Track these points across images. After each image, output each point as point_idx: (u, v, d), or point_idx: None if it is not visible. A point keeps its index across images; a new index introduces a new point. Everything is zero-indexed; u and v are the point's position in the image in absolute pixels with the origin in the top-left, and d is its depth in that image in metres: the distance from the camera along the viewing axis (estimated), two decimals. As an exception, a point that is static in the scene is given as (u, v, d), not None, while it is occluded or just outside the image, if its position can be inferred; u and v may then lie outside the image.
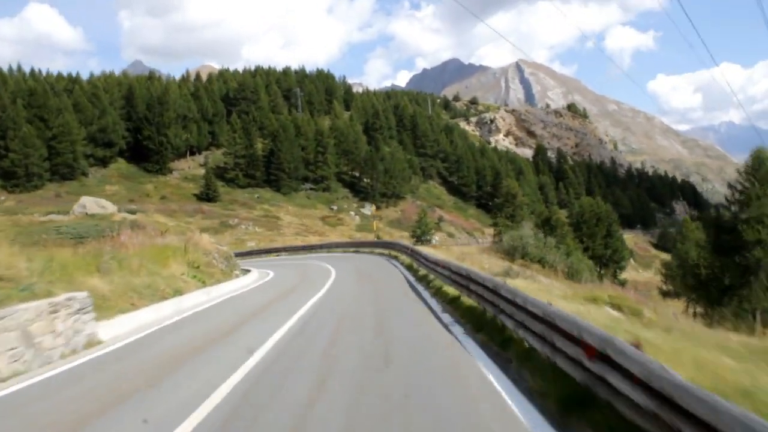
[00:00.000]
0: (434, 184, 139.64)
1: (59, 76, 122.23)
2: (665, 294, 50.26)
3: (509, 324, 9.13)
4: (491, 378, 7.39)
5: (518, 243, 36.48)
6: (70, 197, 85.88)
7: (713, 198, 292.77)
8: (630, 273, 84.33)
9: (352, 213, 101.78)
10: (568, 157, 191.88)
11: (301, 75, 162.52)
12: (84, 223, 21.89)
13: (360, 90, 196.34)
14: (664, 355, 6.14)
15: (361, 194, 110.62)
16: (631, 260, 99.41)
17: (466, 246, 62.45)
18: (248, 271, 27.12)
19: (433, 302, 14.41)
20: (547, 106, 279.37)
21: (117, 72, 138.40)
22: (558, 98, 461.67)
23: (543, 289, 13.31)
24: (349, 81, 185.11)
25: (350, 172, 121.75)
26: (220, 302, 16.26)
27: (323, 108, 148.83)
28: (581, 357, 5.90)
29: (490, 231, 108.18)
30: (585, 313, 9.12)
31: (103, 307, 11.69)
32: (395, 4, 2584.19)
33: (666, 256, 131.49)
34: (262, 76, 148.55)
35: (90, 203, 24.58)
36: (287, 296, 18.18)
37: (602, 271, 58.51)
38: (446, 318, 12.35)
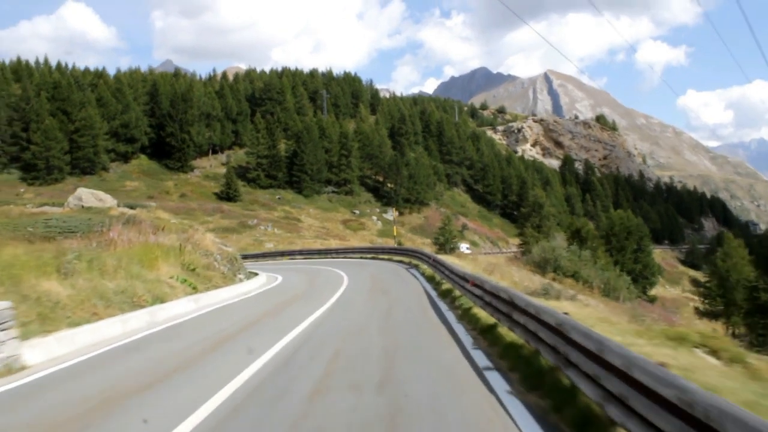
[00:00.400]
0: (459, 191, 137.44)
1: (86, 71, 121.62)
2: (702, 314, 47.77)
3: (587, 389, 5.80)
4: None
5: (550, 255, 33.80)
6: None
7: (742, 215, 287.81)
8: (657, 289, 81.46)
9: (374, 218, 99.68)
10: (596, 169, 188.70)
11: (328, 77, 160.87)
12: (77, 216, 20.08)
13: (387, 95, 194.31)
14: None
15: (384, 199, 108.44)
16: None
17: (492, 256, 60.09)
18: (255, 274, 25.10)
19: (460, 330, 11.35)
20: (576, 116, 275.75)
21: (144, 69, 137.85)
22: (586, 110, 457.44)
23: (603, 319, 10.80)
24: (377, 87, 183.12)
25: (374, 177, 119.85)
26: (205, 314, 13.82)
27: (349, 111, 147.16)
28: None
29: (515, 241, 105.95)
30: (686, 366, 6.31)
31: (51, 319, 9.62)
32: (425, 12, 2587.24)
33: (694, 273, 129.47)
34: (289, 77, 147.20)
35: (87, 195, 22.71)
36: (283, 310, 15.59)
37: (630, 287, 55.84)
38: (480, 358, 8.92)
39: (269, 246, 67.28)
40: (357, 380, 7.82)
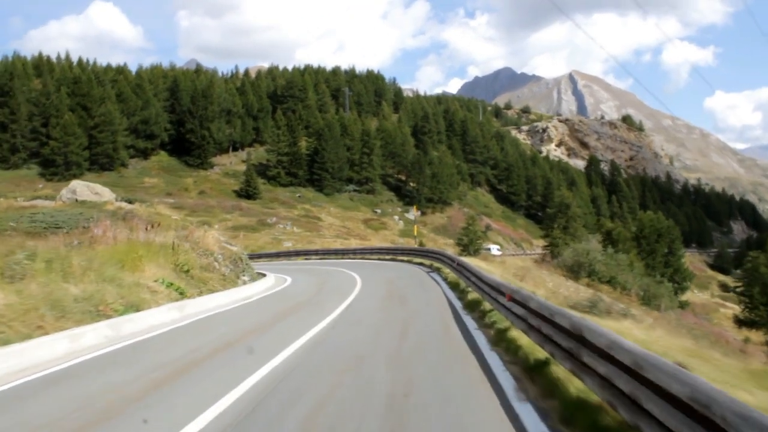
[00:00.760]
0: (482, 191, 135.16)
1: (108, 67, 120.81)
2: (741, 322, 45.20)
3: None
4: None
5: (584, 259, 31.28)
6: (107, 188, 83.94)
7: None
8: (686, 294, 78.62)
9: (396, 217, 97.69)
10: (622, 170, 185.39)
11: (351, 75, 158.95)
12: (67, 211, 18.36)
13: (410, 95, 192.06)
14: None
15: (407, 198, 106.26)
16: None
17: (517, 258, 57.80)
18: (263, 276, 23.17)
19: (494, 362, 8.33)
20: (602, 116, 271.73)
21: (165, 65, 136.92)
22: (611, 111, 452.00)
23: (692, 353, 8.57)
24: (400, 86, 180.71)
25: (396, 175, 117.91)
26: (183, 327, 11.34)
27: (372, 109, 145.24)
28: None
29: (540, 242, 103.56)
30: None
31: (-31, 335, 7.71)
32: (449, 12, 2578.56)
33: (723, 278, 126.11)
34: (311, 75, 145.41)
35: (82, 188, 21.02)
36: (277, 323, 12.82)
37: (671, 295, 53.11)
38: (533, 423, 5.79)
39: (288, 245, 65.57)
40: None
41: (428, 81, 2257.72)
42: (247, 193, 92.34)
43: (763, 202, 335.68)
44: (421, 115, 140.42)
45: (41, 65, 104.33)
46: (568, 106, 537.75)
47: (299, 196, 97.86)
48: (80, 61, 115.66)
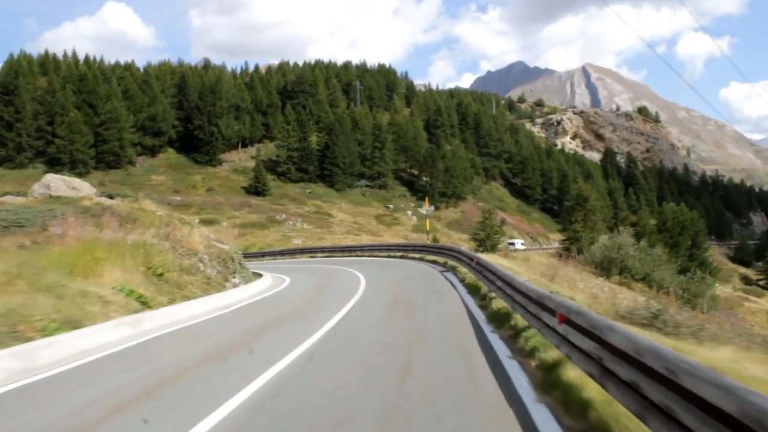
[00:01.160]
0: (497, 185, 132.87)
1: (116, 64, 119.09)
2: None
3: None
4: None
5: (615, 254, 28.71)
6: (113, 186, 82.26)
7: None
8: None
9: (409, 212, 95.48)
10: (639, 162, 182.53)
11: (362, 69, 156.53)
12: (36, 207, 16.29)
13: (422, 90, 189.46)
14: None
15: (420, 193, 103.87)
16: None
17: (533, 253, 55.20)
18: (260, 276, 20.97)
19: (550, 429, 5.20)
20: (617, 108, 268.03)
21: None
22: (625, 104, 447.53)
23: None
24: (412, 80, 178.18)
25: (409, 170, 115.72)
26: (122, 351, 8.65)
27: (383, 103, 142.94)
28: None
29: (555, 236, 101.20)
30: None
31: None
32: (461, 7, 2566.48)
33: (744, 270, 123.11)
34: (322, 70, 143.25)
35: (57, 183, 18.96)
36: (240, 348, 9.23)
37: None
38: None
39: (297, 242, 63.54)
40: None
41: (440, 76, 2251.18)
42: (256, 189, 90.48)
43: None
44: (434, 109, 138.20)
45: (47, 63, 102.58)
46: (582, 100, 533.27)
47: (310, 192, 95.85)
48: (87, 58, 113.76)
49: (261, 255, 52.31)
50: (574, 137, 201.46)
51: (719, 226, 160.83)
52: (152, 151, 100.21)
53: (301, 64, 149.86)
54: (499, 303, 12.79)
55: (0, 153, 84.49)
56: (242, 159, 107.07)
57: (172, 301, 12.24)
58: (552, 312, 7.45)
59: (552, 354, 7.46)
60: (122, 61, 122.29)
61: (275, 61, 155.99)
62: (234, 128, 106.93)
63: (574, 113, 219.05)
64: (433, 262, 30.56)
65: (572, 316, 6.35)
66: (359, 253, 44.77)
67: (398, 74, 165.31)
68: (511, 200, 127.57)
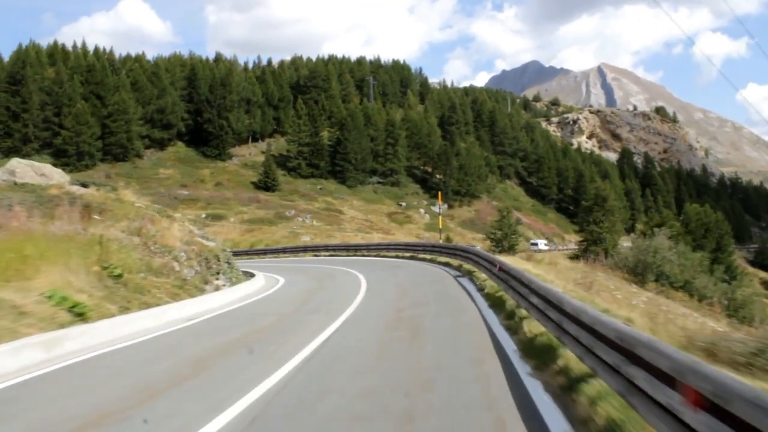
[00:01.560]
0: (512, 184, 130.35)
1: (127, 57, 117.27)
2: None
3: None
4: None
5: (650, 259, 26.05)
6: (120, 179, 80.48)
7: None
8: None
9: (422, 210, 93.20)
10: (656, 163, 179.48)
11: (376, 65, 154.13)
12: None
13: (437, 87, 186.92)
14: None
15: (433, 191, 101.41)
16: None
17: (556, 254, 52.68)
18: (252, 276, 18.70)
19: None
20: (635, 107, 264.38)
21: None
22: (641, 104, 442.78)
23: None
24: (426, 76, 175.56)
25: (422, 167, 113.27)
26: (7, 389, 6.38)
27: (397, 100, 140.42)
28: None
29: (571, 237, 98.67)
30: None
31: None
32: (477, 5, 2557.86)
33: (765, 275, 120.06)
34: (336, 65, 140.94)
35: (23, 169, 16.85)
36: (175, 388, 6.79)
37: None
38: None
39: (305, 239, 61.39)
40: None
41: (455, 75, 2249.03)
42: (265, 184, 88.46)
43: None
44: (448, 106, 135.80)
45: (55, 54, 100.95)
46: (597, 100, 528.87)
47: (320, 189, 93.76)
48: (96, 49, 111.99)
49: (262, 252, 50.16)
50: (590, 137, 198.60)
51: (738, 229, 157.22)
52: (161, 144, 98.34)
53: (314, 59, 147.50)
54: (533, 325, 9.64)
55: (6, 144, 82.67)
56: (252, 153, 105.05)
57: (124, 310, 9.87)
58: (639, 363, 4.50)
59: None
60: (133, 54, 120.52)
61: (289, 57, 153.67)
62: (244, 122, 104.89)
63: (591, 112, 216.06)
64: (446, 264, 27.27)
65: (724, 402, 3.25)
66: (365, 252, 41.96)
67: (412, 70, 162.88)
68: (526, 199, 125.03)
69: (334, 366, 8.07)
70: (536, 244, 74.91)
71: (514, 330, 10.19)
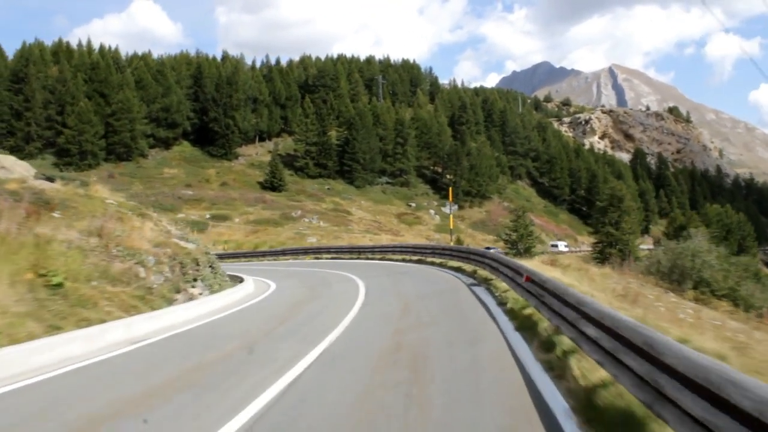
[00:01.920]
0: (523, 184, 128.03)
1: (133, 55, 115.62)
2: None
3: None
4: None
5: (688, 263, 23.50)
6: (123, 179, 78.80)
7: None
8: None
9: (432, 211, 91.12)
10: (670, 164, 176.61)
11: (385, 65, 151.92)
12: None
13: (447, 87, 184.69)
14: None
15: (443, 191, 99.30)
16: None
17: (564, 256, 50.31)
18: (239, 282, 16.62)
19: None
20: (647, 107, 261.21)
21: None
22: (652, 105, 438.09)
23: None
24: (436, 75, 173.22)
25: (432, 167, 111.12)
26: None
27: (406, 99, 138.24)
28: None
29: (584, 239, 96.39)
30: None
31: None
32: (487, 6, 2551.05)
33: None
34: (345, 64, 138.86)
35: (-19, 160, 14.92)
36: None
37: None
38: None
39: (312, 240, 59.48)
40: None
41: (466, 76, 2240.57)
42: (272, 184, 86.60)
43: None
44: (459, 105, 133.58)
45: (59, 51, 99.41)
46: (608, 101, 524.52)
47: (328, 189, 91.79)
48: (101, 47, 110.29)
49: (262, 255, 48.15)
50: (602, 137, 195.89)
51: (755, 230, 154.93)
52: (166, 144, 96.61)
53: (323, 58, 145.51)
54: (585, 365, 6.90)
55: (9, 143, 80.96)
56: (259, 153, 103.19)
57: (51, 330, 7.73)
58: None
59: None
60: (140, 52, 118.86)
61: (297, 58, 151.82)
62: (251, 121, 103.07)
63: (603, 112, 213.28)
64: (458, 269, 24.14)
65: None
66: (369, 255, 39.49)
67: (422, 70, 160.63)
68: (538, 200, 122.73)
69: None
70: (556, 246, 72.63)
71: (557, 371, 7.19)
